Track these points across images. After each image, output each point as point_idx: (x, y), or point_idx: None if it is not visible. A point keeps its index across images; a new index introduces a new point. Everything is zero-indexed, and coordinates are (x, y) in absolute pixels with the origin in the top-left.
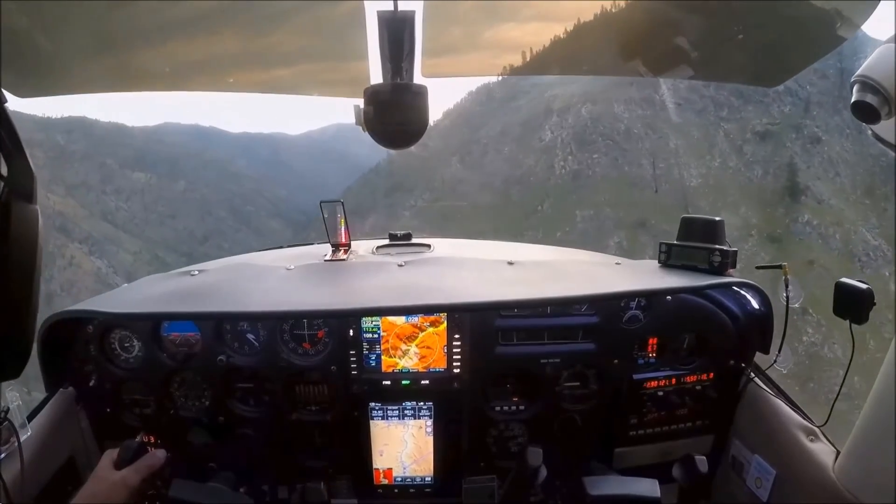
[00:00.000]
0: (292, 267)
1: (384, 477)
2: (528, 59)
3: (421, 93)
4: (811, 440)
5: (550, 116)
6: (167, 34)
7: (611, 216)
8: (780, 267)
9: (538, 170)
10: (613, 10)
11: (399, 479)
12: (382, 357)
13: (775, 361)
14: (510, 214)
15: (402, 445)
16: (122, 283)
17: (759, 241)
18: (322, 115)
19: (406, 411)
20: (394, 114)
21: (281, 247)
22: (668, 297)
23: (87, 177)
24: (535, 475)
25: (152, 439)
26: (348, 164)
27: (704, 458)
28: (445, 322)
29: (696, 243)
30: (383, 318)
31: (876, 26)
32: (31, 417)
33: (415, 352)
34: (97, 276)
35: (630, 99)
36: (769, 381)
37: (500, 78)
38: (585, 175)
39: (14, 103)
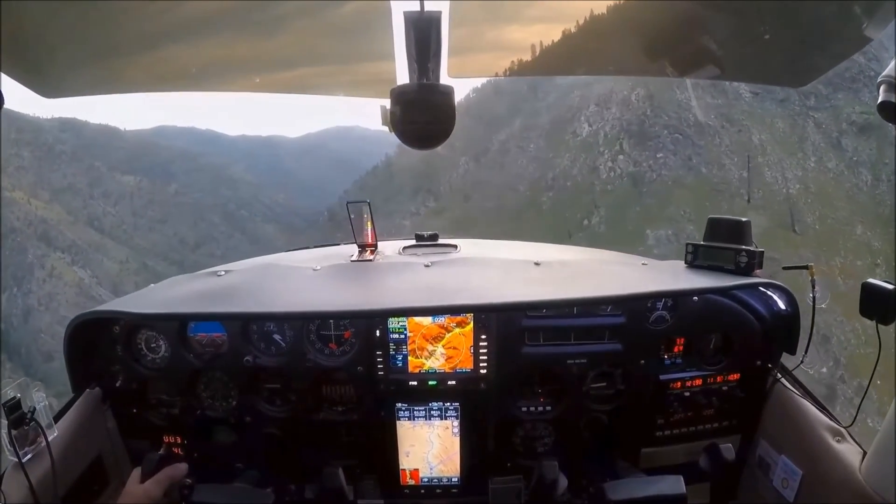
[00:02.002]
0: (319, 267)
1: (411, 477)
2: (555, 58)
3: (447, 93)
4: (838, 441)
5: (586, 106)
6: (195, 34)
7: (696, 237)
8: (806, 268)
9: (576, 172)
10: (639, 11)
11: (426, 480)
12: (409, 357)
13: (802, 362)
14: (544, 229)
15: (429, 446)
16: (106, 294)
17: (886, 271)
18: (321, 116)
19: (433, 412)
20: (420, 114)
21: (307, 247)
22: (695, 298)
23: (74, 180)
24: (554, 487)
25: (178, 440)
26: (348, 167)
27: (730, 445)
28: (472, 322)
29: (722, 244)
30: (410, 318)
31: None
32: (57, 418)
33: (441, 352)
34: (80, 288)
35: (696, 84)
36: (796, 381)
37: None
38: (648, 179)
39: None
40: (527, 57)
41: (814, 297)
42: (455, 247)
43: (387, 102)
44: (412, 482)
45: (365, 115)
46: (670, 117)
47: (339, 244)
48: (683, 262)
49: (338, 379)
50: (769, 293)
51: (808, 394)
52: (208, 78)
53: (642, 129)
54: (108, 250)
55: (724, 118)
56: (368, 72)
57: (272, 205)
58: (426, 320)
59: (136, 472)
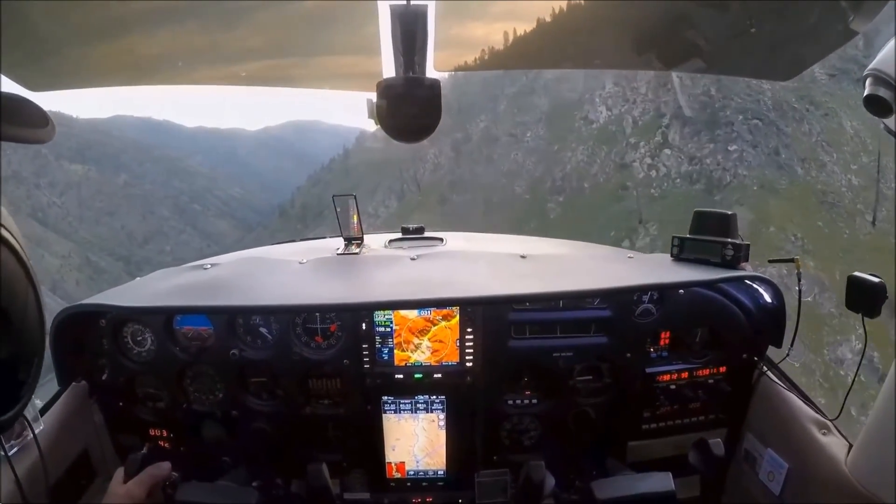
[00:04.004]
0: (305, 261)
1: (397, 470)
2: (542, 52)
3: (434, 86)
4: (824, 434)
5: (599, 85)
6: (179, 25)
7: (821, 277)
8: (792, 261)
9: (597, 170)
10: (626, 5)
11: (412, 473)
12: (395, 351)
13: (788, 355)
14: None
15: (415, 439)
16: (44, 292)
17: None
18: (281, 110)
19: (419, 405)
20: (407, 107)
21: (293, 240)
22: (681, 291)
23: (19, 167)
24: (541, 488)
25: (165, 434)
26: (307, 161)
27: (719, 441)
28: (458, 316)
29: (708, 237)
30: (396, 311)
31: None
32: (43, 411)
33: (427, 346)
34: None
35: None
36: (782, 374)
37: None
38: (722, 181)
39: None
40: (514, 51)
41: (799, 290)
42: (441, 240)
43: (373, 96)
44: (398, 475)
45: (326, 110)
46: (743, 99)
47: (325, 237)
48: (670, 255)
49: (324, 372)
50: (755, 286)
51: (794, 387)
52: (194, 70)
53: (709, 115)
54: (51, 244)
55: (806, 100)
56: (354, 65)
57: (227, 199)
58: (412, 313)
59: (120, 473)
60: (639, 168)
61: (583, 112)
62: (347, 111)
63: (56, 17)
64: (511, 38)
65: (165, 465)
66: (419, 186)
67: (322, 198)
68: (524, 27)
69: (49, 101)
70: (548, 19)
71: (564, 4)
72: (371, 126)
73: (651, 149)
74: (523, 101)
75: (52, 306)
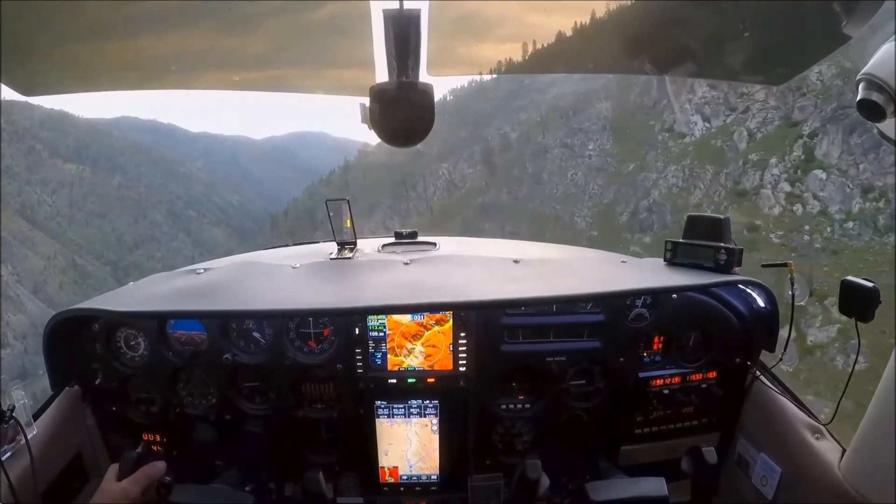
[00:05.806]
0: (298, 265)
1: (390, 475)
2: (534, 56)
3: (427, 90)
4: (817, 438)
5: (684, 88)
6: (175, 29)
7: None
8: (785, 265)
9: (700, 198)
10: (620, 8)
11: (405, 478)
12: (388, 355)
13: (781, 359)
14: None
15: (408, 443)
16: (24, 294)
17: None
18: (287, 120)
19: (412, 409)
20: (400, 111)
21: (286, 245)
22: (674, 295)
23: (11, 162)
24: (536, 486)
25: (158, 437)
26: (307, 173)
27: (713, 449)
28: (451, 321)
29: (701, 241)
30: (389, 316)
31: None
32: (37, 416)
33: (420, 350)
34: None
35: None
36: (775, 379)
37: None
38: None
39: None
40: (506, 54)
41: (793, 295)
42: (434, 244)
43: (366, 100)
44: (391, 480)
45: (332, 122)
46: None
47: (318, 242)
48: (663, 259)
49: (317, 377)
50: (748, 291)
51: (787, 391)
52: (189, 75)
53: None
54: (37, 244)
55: None
56: (348, 70)
57: (224, 206)
58: (405, 318)
59: (113, 470)
60: (770, 198)
61: (663, 122)
62: (353, 124)
63: (50, 19)
64: (504, 41)
65: (161, 465)
66: (428, 205)
67: (315, 212)
68: (518, 30)
69: (54, 100)
70: (540, 21)
71: (555, 6)
72: (375, 138)
73: (787, 169)
74: (577, 106)
75: (33, 310)
